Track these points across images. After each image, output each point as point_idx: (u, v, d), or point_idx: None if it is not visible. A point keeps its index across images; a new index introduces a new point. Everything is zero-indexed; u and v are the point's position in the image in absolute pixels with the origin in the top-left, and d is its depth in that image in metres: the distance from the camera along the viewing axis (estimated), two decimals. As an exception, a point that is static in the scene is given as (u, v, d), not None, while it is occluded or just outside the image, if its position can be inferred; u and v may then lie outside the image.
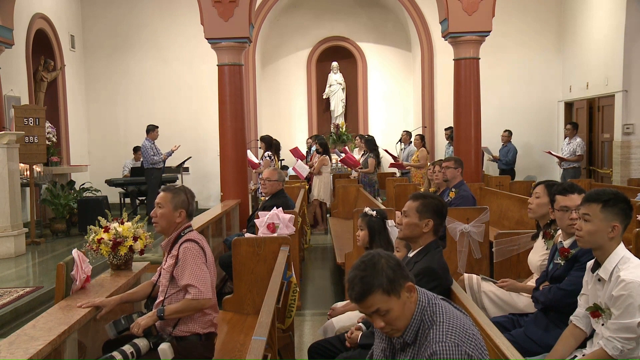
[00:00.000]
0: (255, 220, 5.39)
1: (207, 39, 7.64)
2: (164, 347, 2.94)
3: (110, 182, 11.30)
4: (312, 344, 3.38)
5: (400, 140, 11.43)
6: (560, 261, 3.15)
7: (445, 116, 11.79)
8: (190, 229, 3.25)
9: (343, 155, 10.69)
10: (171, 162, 11.06)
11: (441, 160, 6.71)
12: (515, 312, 3.50)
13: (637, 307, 2.43)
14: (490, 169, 12.19)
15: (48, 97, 11.14)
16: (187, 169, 11.88)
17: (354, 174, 10.61)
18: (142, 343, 2.95)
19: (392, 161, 11.35)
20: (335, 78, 13.78)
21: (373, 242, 3.71)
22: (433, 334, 1.97)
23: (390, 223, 3.76)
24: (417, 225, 2.99)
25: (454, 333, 1.95)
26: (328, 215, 10.01)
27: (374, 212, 3.75)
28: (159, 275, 3.29)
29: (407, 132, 11.39)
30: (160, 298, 3.16)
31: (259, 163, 9.60)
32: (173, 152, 10.44)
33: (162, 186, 3.05)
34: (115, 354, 2.85)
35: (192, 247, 3.10)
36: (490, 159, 11.34)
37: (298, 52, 13.82)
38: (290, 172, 10.84)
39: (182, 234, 3.19)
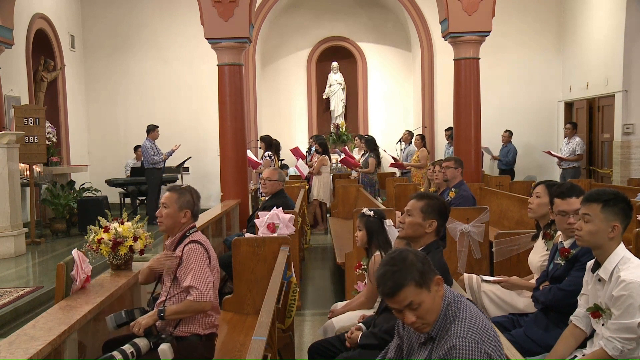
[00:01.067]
0: (255, 220, 5.38)
1: (207, 39, 7.64)
2: (164, 348, 2.94)
3: (110, 182, 11.30)
4: (312, 344, 3.38)
5: (400, 140, 11.43)
6: (560, 261, 3.15)
7: (445, 116, 11.79)
8: (195, 230, 3.25)
9: (342, 155, 10.69)
10: (171, 162, 11.06)
11: (441, 160, 6.71)
12: (515, 312, 3.51)
13: (638, 308, 2.43)
14: (494, 168, 12.14)
15: (48, 97, 11.13)
16: (187, 169, 11.88)
17: (354, 174, 10.61)
18: (142, 343, 2.95)
19: (392, 161, 11.35)
20: (335, 78, 13.77)
21: (371, 242, 3.72)
22: (454, 329, 1.98)
23: (388, 223, 3.76)
24: (420, 225, 2.99)
25: (475, 331, 1.96)
26: (328, 215, 10.01)
27: (372, 212, 3.76)
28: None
29: (409, 131, 11.39)
30: (162, 298, 3.16)
31: (260, 162, 9.61)
32: (174, 151, 10.44)
33: (163, 186, 3.07)
34: (115, 353, 2.85)
35: (197, 249, 3.10)
36: (491, 158, 11.34)
37: (298, 52, 13.81)
38: (290, 172, 10.84)
39: (186, 235, 3.20)
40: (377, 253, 3.64)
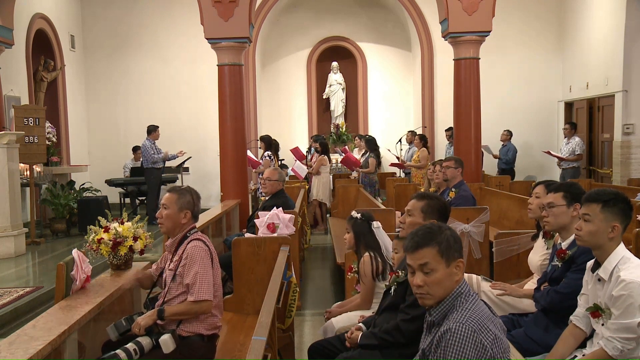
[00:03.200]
0: (255, 220, 5.38)
1: (207, 39, 7.64)
2: (165, 338, 2.95)
3: (110, 182, 11.30)
4: (312, 344, 3.38)
5: (399, 141, 11.42)
6: (557, 262, 3.15)
7: (445, 116, 11.79)
8: (196, 230, 3.25)
9: (343, 155, 10.70)
10: (171, 162, 11.05)
11: (441, 160, 6.71)
12: (515, 312, 3.51)
13: (637, 307, 2.43)
14: (493, 168, 12.13)
15: (48, 97, 11.13)
16: (187, 169, 11.88)
17: (354, 174, 10.61)
18: (145, 341, 2.95)
19: (394, 161, 11.34)
20: (335, 78, 13.77)
21: (359, 244, 3.71)
22: (455, 314, 2.02)
23: (375, 225, 3.76)
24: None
25: (476, 321, 1.98)
26: (328, 215, 10.01)
27: (359, 214, 3.76)
28: (159, 274, 3.28)
29: (412, 131, 11.39)
30: (161, 299, 3.16)
31: (260, 162, 9.61)
32: (177, 157, 10.40)
33: (163, 186, 3.06)
34: (119, 351, 2.85)
35: (201, 247, 3.11)
36: (495, 156, 11.32)
37: (298, 52, 13.81)
38: (290, 172, 10.83)
39: (187, 235, 3.20)
40: (367, 254, 3.64)
